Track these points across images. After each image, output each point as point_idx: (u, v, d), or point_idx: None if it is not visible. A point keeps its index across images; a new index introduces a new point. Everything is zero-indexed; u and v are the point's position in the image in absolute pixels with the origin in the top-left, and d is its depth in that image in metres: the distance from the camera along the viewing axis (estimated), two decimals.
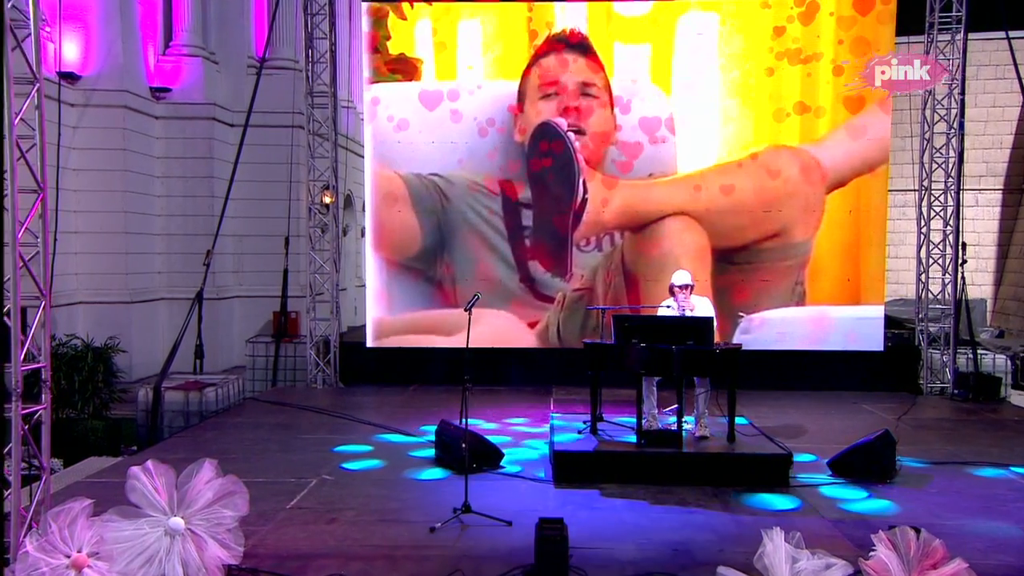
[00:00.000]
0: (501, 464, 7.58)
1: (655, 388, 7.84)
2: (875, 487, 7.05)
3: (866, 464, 7.31)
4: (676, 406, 7.55)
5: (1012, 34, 19.44)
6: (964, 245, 12.14)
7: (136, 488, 4.42)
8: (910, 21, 12.26)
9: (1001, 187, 21.87)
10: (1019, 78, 11.84)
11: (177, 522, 4.39)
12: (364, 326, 12.57)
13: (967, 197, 11.77)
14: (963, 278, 12.12)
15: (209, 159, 15.59)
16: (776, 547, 4.34)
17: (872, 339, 11.86)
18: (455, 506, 6.18)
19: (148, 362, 13.70)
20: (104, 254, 13.96)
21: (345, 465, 7.74)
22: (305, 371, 12.27)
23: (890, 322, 12.60)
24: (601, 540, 5.75)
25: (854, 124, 11.65)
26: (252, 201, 15.74)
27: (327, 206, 12.27)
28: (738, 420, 7.76)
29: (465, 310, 6.34)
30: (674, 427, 7.45)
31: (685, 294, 7.73)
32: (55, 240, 5.40)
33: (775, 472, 7.10)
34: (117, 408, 11.19)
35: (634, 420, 7.56)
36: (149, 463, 4.52)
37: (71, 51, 13.60)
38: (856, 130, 11.65)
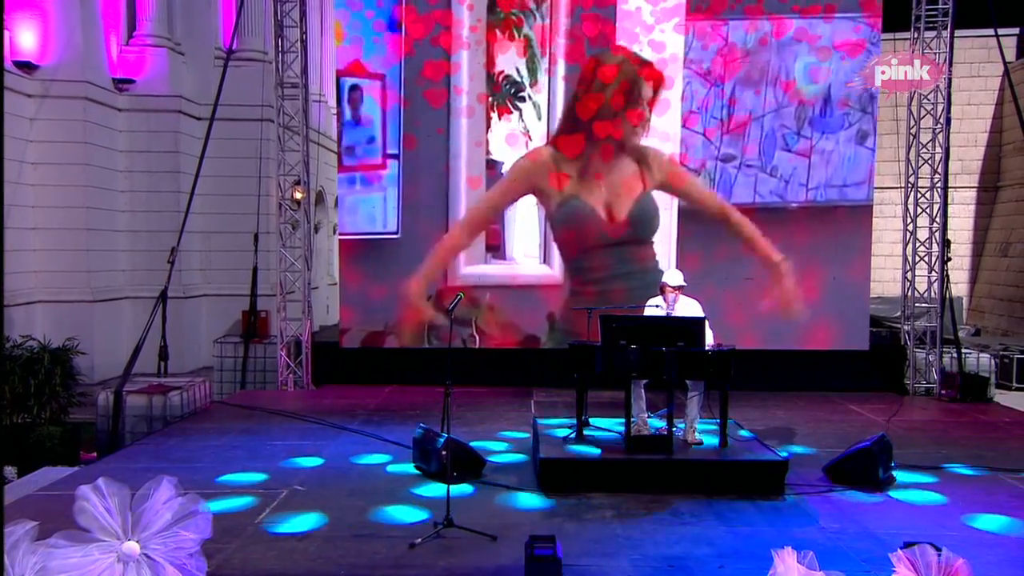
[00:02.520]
0: (484, 473, 7.20)
1: (643, 391, 7.50)
2: (873, 494, 6.77)
3: (863, 470, 7.01)
4: (665, 410, 7.24)
5: (982, 32, 19.54)
6: (948, 243, 11.98)
7: (85, 509, 3.97)
8: (896, 17, 12.07)
9: (976, 185, 21.89)
10: (1007, 75, 11.67)
11: (131, 547, 3.96)
12: (337, 325, 12.14)
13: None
14: (947, 276, 11.94)
15: (175, 153, 15.09)
16: (788, 568, 4.01)
17: (857, 338, 11.63)
18: (436, 519, 5.80)
19: (111, 363, 13.16)
20: (64, 251, 13.41)
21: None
22: (275, 372, 11.80)
23: (869, 321, 12.41)
24: (592, 556, 5.39)
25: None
26: (220, 197, 15.28)
27: (298, 202, 11.81)
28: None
29: (447, 310, 5.97)
30: (664, 432, 7.13)
31: (676, 295, 7.41)
32: (1, 236, 4.92)
33: (770, 479, 6.78)
34: (77, 412, 10.69)
35: (621, 424, 7.23)
36: (100, 481, 4.08)
37: (27, 39, 13.01)
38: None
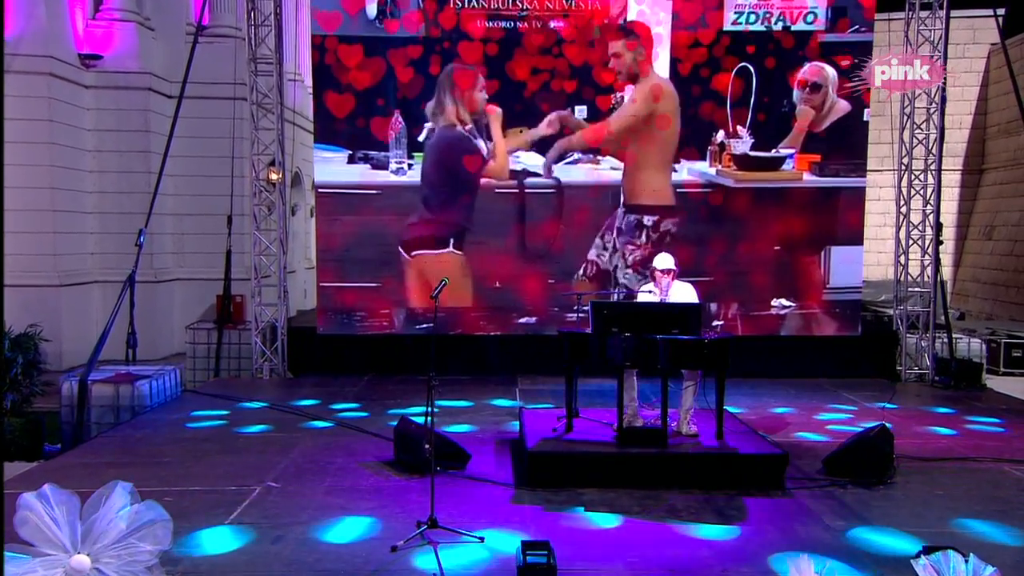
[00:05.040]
0: (468, 467, 6.84)
1: (636, 380, 7.17)
2: (876, 488, 6.47)
3: (864, 462, 6.72)
4: (656, 399, 6.92)
5: (976, 12, 19.29)
6: (940, 226, 11.74)
7: (28, 520, 3.57)
8: None
9: (960, 168, 21.73)
10: (1005, 52, 11.36)
11: (81, 561, 3.57)
12: (314, 310, 11.73)
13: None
14: (938, 260, 11.70)
15: (145, 132, 14.53)
16: None
17: (848, 324, 11.37)
18: (419, 519, 5.43)
19: (80, 350, 12.67)
20: (30, 233, 12.85)
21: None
22: (251, 360, 11.37)
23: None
24: (586, 559, 5.04)
25: None
26: (193, 178, 14.79)
27: (273, 183, 11.35)
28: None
29: (431, 297, 5.59)
30: (657, 423, 6.80)
31: (668, 278, 7.07)
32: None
33: (769, 473, 6.48)
34: (42, 402, 10.20)
35: (611, 414, 6.90)
36: (46, 488, 3.68)
37: None
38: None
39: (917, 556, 4.01)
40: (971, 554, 3.79)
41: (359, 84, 10.93)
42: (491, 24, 10.89)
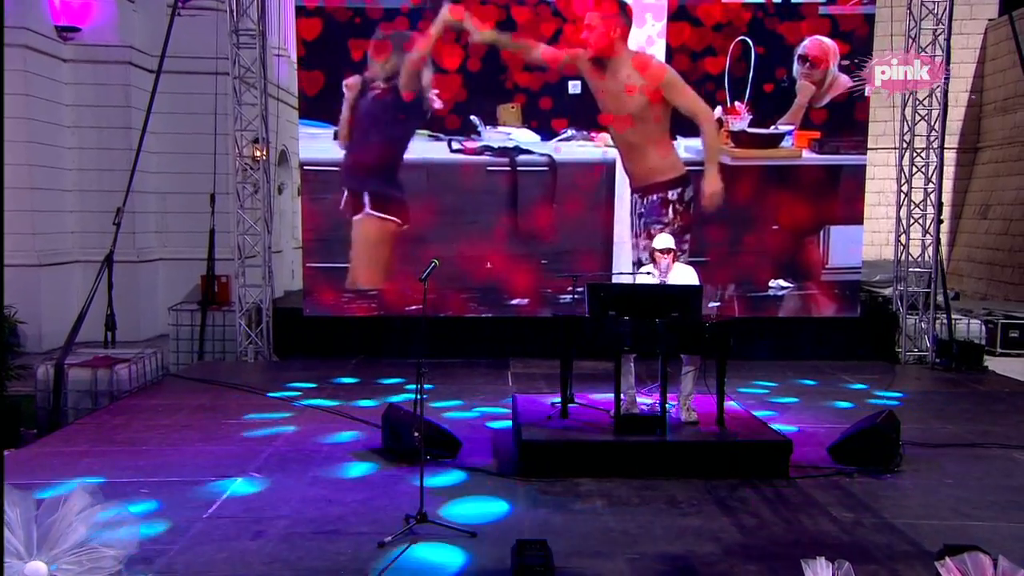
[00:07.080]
0: (459, 455, 6.57)
1: (633, 365, 6.90)
2: (884, 477, 6.24)
3: (869, 450, 6.47)
4: (651, 385, 6.67)
5: None
6: (941, 205, 11.50)
7: None
8: None
9: (955, 146, 21.47)
10: (1012, 26, 11.07)
11: (37, 568, 3.27)
12: (301, 291, 11.43)
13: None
14: (938, 239, 11.47)
15: (126, 108, 14.11)
16: None
17: (846, 305, 11.13)
18: (408, 512, 5.15)
19: (61, 332, 12.22)
20: (7, 212, 12.33)
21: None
22: (235, 342, 11.05)
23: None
24: (584, 555, 4.78)
25: None
26: (176, 155, 14.42)
27: (256, 160, 10.98)
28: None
29: (420, 280, 5.28)
30: (656, 410, 6.53)
31: (667, 259, 6.79)
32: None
33: (773, 462, 6.23)
34: (17, 385, 9.88)
35: (607, 400, 6.64)
36: None
37: None
38: None
39: (940, 556, 3.77)
40: (1000, 555, 3.53)
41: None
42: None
